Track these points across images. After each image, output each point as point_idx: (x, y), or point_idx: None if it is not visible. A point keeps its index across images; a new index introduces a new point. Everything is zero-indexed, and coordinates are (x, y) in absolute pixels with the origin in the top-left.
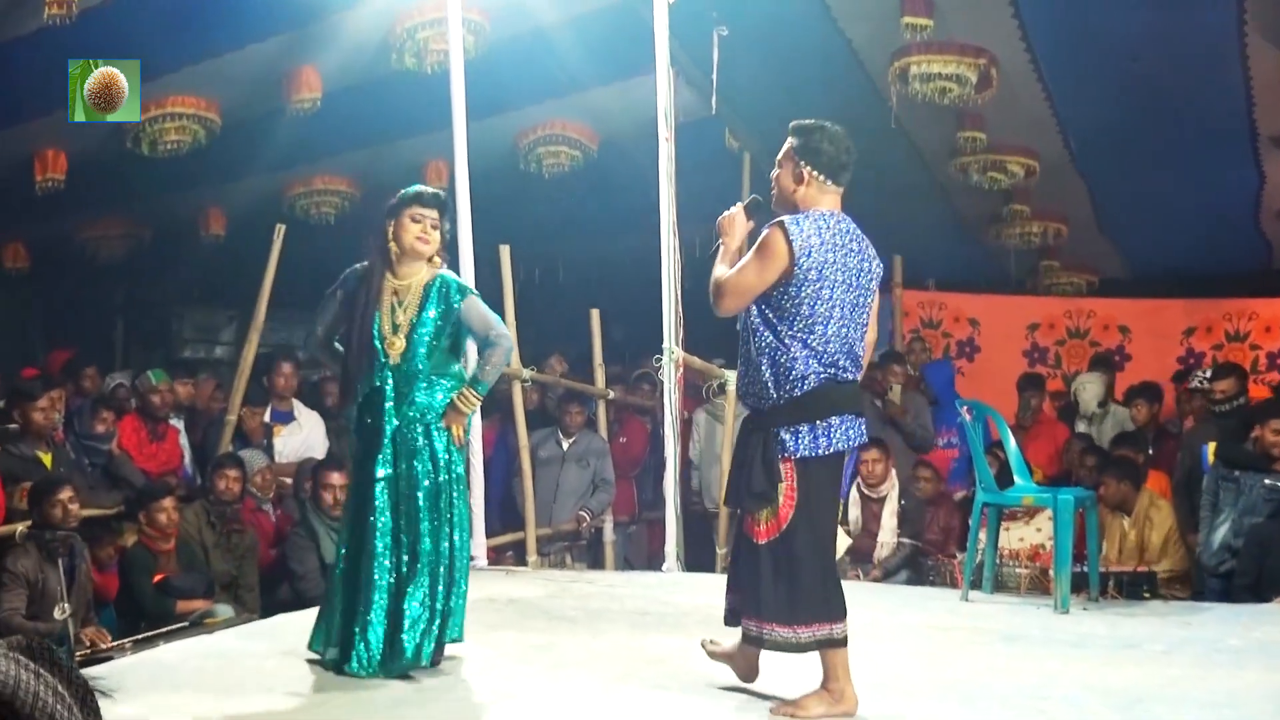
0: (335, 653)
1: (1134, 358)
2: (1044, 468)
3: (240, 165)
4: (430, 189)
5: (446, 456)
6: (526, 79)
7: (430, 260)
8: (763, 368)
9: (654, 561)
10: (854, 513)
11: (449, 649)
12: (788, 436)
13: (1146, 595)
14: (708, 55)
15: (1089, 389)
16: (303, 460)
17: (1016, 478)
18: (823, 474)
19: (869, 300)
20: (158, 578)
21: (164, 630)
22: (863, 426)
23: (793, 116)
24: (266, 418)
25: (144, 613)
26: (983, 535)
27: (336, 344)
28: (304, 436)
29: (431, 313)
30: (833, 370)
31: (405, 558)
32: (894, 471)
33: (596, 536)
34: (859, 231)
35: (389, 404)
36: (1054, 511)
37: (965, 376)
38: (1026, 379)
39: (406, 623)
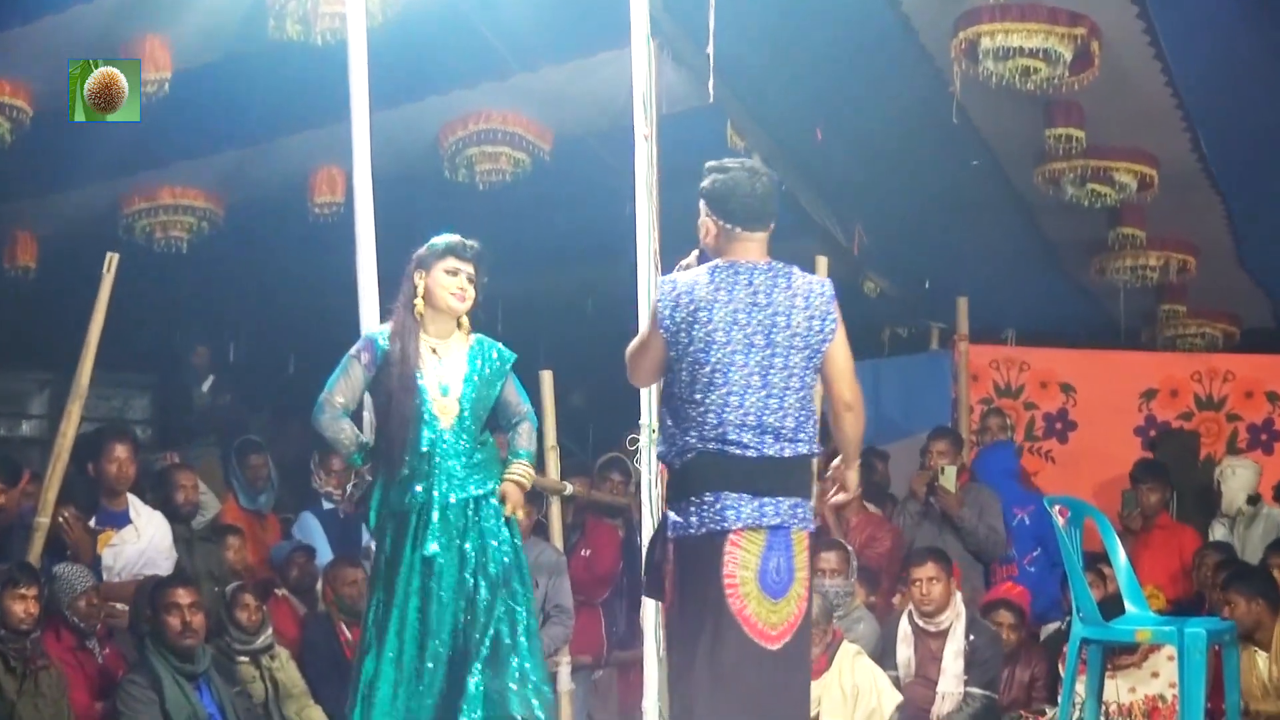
0: None
1: None
2: (1166, 590)
3: (58, 173)
4: (464, 239)
5: (502, 535)
6: (454, 54)
7: (459, 323)
8: (660, 440)
9: (627, 718)
10: (904, 652)
11: None
12: (670, 514)
13: None
14: (702, 22)
15: (1239, 476)
16: (142, 578)
17: (1128, 604)
18: (696, 557)
19: (794, 361)
20: None
21: None
22: (769, 508)
23: (818, 103)
24: (92, 521)
25: None
26: (1081, 684)
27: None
28: (143, 547)
29: (478, 376)
30: (716, 444)
31: (473, 659)
32: (958, 595)
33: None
34: (783, 280)
35: (439, 474)
36: (1179, 650)
37: (1055, 464)
38: (1144, 468)
39: None
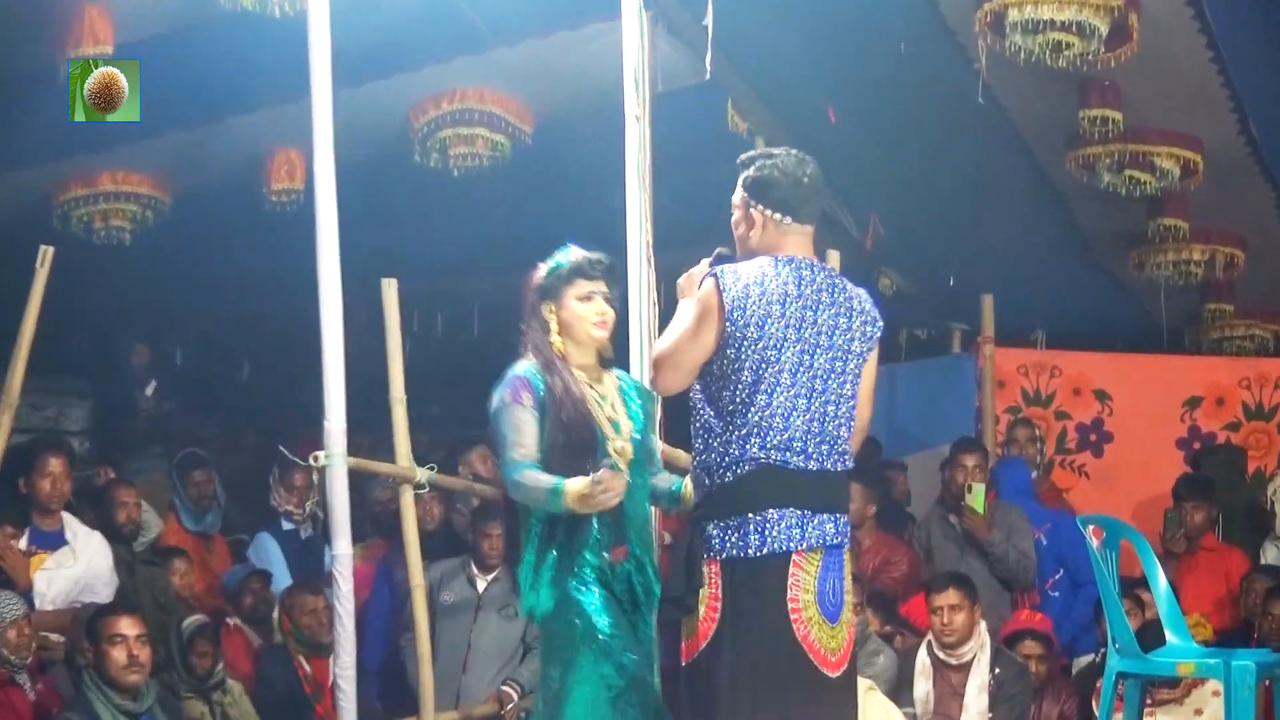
0: None
1: None
2: (1211, 618)
3: None
4: (587, 253)
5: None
6: (425, 26)
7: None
8: (697, 450)
9: None
10: (923, 686)
11: None
12: (715, 532)
13: None
14: None
15: None
16: (79, 606)
17: (1169, 634)
18: (754, 581)
19: (850, 367)
20: None
21: None
22: (829, 525)
23: (828, 81)
24: (23, 543)
25: None
26: None
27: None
28: (80, 571)
29: (640, 412)
30: (780, 454)
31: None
32: (983, 624)
33: None
34: (838, 280)
35: (629, 526)
36: (1225, 685)
37: (1090, 480)
38: (1188, 483)
39: None
